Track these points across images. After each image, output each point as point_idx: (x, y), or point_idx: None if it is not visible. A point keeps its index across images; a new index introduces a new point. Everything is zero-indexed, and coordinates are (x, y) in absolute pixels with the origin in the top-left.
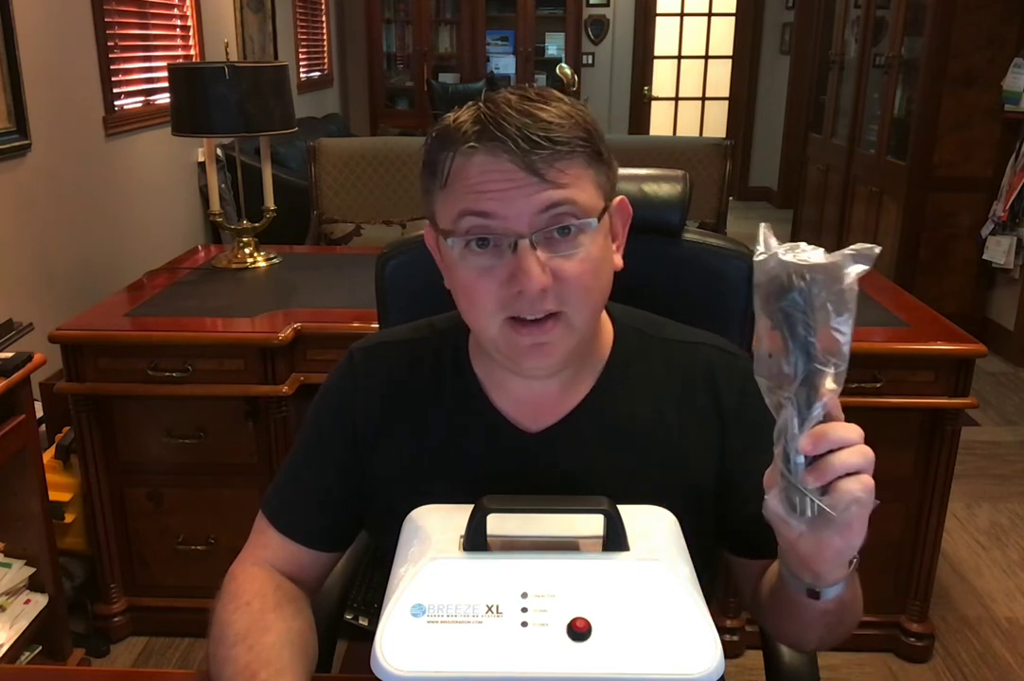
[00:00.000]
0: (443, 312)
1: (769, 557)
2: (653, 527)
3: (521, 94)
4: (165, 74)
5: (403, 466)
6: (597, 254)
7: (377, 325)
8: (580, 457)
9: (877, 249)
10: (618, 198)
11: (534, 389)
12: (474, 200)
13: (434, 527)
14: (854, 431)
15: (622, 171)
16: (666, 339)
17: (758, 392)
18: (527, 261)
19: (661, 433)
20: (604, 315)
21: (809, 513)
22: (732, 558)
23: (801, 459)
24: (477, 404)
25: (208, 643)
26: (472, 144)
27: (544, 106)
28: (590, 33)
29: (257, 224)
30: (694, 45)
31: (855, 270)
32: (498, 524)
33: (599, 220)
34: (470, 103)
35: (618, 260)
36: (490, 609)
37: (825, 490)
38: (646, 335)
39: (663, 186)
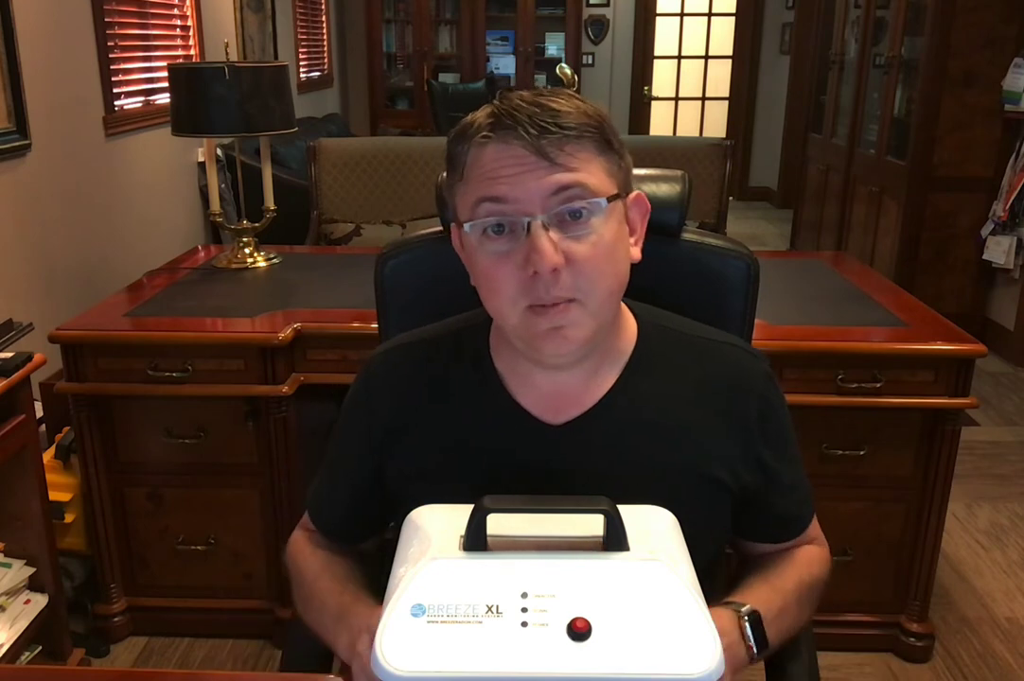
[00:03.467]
0: (443, 310)
1: (778, 541)
2: (653, 527)
3: (534, 91)
4: (165, 74)
5: (425, 463)
6: (609, 238)
7: (377, 325)
8: (602, 450)
9: None
10: (635, 193)
11: (558, 381)
12: (488, 186)
13: (434, 527)
14: None
15: None
16: (689, 335)
17: (778, 394)
18: (540, 241)
19: (683, 427)
20: (626, 311)
21: None
22: (745, 542)
23: None
24: (498, 399)
25: (295, 592)
26: (486, 134)
27: (555, 99)
28: (590, 33)
29: (257, 224)
30: (694, 45)
31: None
32: (498, 524)
33: (609, 201)
34: (485, 105)
35: (636, 253)
36: (490, 609)
37: None
38: (669, 330)
39: (662, 186)
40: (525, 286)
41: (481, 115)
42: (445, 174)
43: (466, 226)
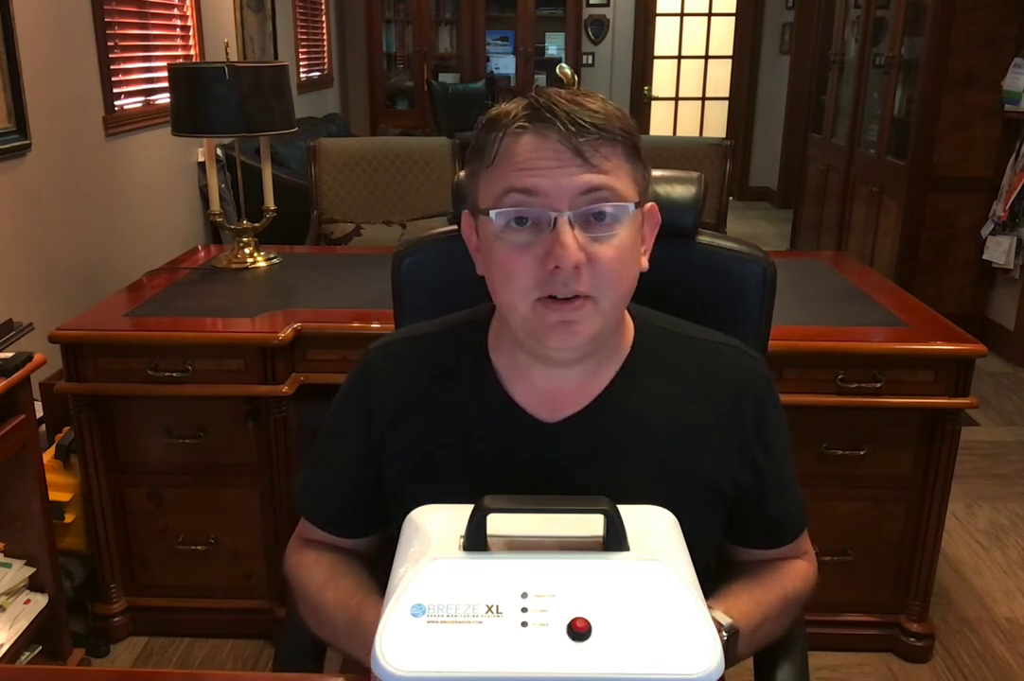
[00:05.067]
0: (459, 307)
1: (768, 547)
2: (653, 527)
3: (569, 91)
4: (165, 74)
5: (421, 460)
6: (629, 243)
7: (378, 325)
8: (597, 448)
9: None
10: (649, 204)
11: (556, 379)
12: (519, 177)
13: (434, 527)
14: None
15: None
16: (687, 336)
17: (774, 397)
18: (565, 237)
19: (678, 427)
20: (626, 312)
21: None
22: (734, 547)
23: None
24: (494, 395)
25: (299, 606)
26: (522, 123)
27: (591, 100)
28: (590, 33)
29: (257, 224)
30: (694, 45)
31: None
32: (498, 524)
33: (635, 207)
34: (518, 97)
35: (644, 262)
36: (490, 609)
37: None
38: (667, 332)
39: (677, 188)
40: (541, 280)
41: (516, 106)
42: (466, 162)
43: (491, 213)
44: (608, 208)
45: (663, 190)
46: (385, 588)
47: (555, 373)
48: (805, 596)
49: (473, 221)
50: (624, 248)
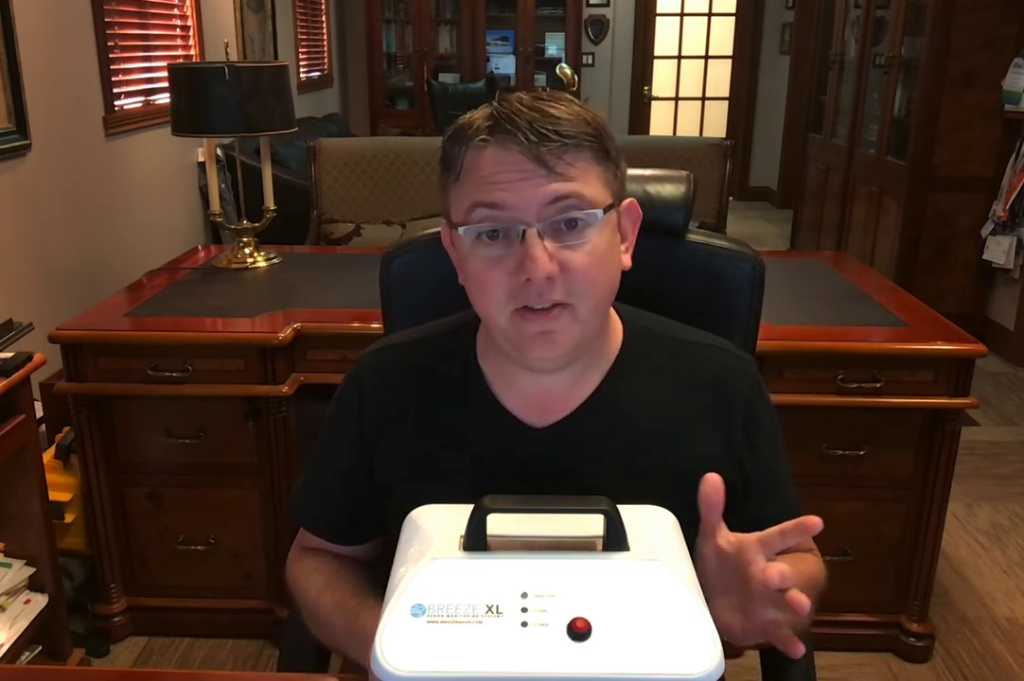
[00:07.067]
0: (448, 309)
1: None
2: (653, 527)
3: (533, 94)
4: (165, 74)
5: (411, 464)
6: (603, 247)
7: (378, 325)
8: (586, 452)
9: None
10: (628, 200)
11: (543, 384)
12: (485, 191)
13: (434, 527)
14: None
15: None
16: (676, 338)
17: (764, 398)
18: (534, 249)
19: (667, 429)
20: (613, 314)
21: None
22: None
23: None
24: (483, 401)
25: (301, 612)
26: (484, 137)
27: (555, 104)
28: (590, 33)
29: (257, 224)
30: (694, 45)
31: None
32: (498, 524)
33: (605, 212)
34: (484, 104)
35: (626, 260)
36: (490, 609)
37: None
38: (656, 334)
39: (667, 187)
40: (516, 291)
41: (479, 116)
42: (439, 171)
43: (460, 230)
44: (577, 216)
45: (653, 189)
46: (384, 591)
47: (543, 379)
48: (823, 585)
49: (450, 230)
50: (598, 253)
